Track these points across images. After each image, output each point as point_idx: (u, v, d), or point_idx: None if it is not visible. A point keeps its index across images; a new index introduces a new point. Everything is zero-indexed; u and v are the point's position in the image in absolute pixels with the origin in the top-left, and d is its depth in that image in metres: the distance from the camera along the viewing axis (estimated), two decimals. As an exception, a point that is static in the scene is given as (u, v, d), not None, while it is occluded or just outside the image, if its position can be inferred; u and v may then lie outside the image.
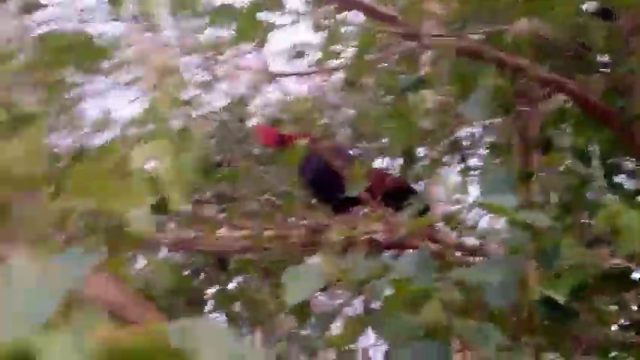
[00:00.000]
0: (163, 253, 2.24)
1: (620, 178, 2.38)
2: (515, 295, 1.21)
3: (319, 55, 2.39)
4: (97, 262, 0.78)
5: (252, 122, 2.48)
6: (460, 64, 1.90)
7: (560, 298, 1.48)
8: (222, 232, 2.43)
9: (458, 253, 1.95)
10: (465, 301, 1.24)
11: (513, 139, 2.24)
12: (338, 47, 2.07)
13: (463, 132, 2.87)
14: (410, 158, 2.06)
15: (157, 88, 1.57)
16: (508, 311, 1.53)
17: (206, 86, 1.76)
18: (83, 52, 1.39)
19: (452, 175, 2.48)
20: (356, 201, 2.21)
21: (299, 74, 2.01)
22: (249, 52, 1.79)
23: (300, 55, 2.32)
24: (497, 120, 2.54)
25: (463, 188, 1.89)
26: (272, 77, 1.69)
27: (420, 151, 2.33)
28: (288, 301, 0.96)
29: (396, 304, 1.19)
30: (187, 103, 2.27)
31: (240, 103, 2.32)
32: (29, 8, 1.44)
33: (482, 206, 1.13)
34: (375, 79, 2.35)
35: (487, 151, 2.51)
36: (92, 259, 0.78)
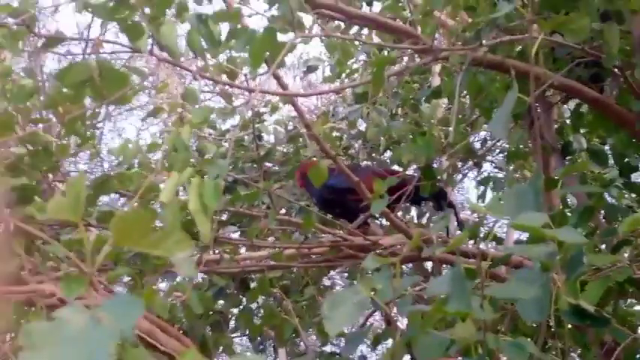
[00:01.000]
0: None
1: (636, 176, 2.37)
2: (549, 309, 1.21)
3: (329, 70, 2.40)
4: (143, 311, 0.78)
5: (268, 139, 2.48)
6: (474, 75, 1.90)
7: (590, 308, 1.47)
8: (243, 252, 2.43)
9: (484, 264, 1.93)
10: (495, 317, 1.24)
11: (529, 144, 2.24)
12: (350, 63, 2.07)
13: (473, 137, 2.87)
14: (429, 170, 2.06)
15: (179, 115, 1.58)
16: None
17: (225, 114, 1.76)
18: (106, 82, 1.40)
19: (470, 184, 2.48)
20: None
21: (315, 94, 2.01)
22: (264, 74, 1.79)
23: (311, 70, 2.32)
24: (510, 126, 2.54)
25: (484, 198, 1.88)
26: (290, 99, 1.69)
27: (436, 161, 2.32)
28: (329, 332, 0.96)
29: (428, 322, 1.19)
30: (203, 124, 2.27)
31: (254, 121, 2.32)
32: (51, 43, 1.45)
33: (514, 227, 1.13)
34: (387, 92, 2.36)
35: (503, 157, 2.51)
36: (139, 308, 0.78)
